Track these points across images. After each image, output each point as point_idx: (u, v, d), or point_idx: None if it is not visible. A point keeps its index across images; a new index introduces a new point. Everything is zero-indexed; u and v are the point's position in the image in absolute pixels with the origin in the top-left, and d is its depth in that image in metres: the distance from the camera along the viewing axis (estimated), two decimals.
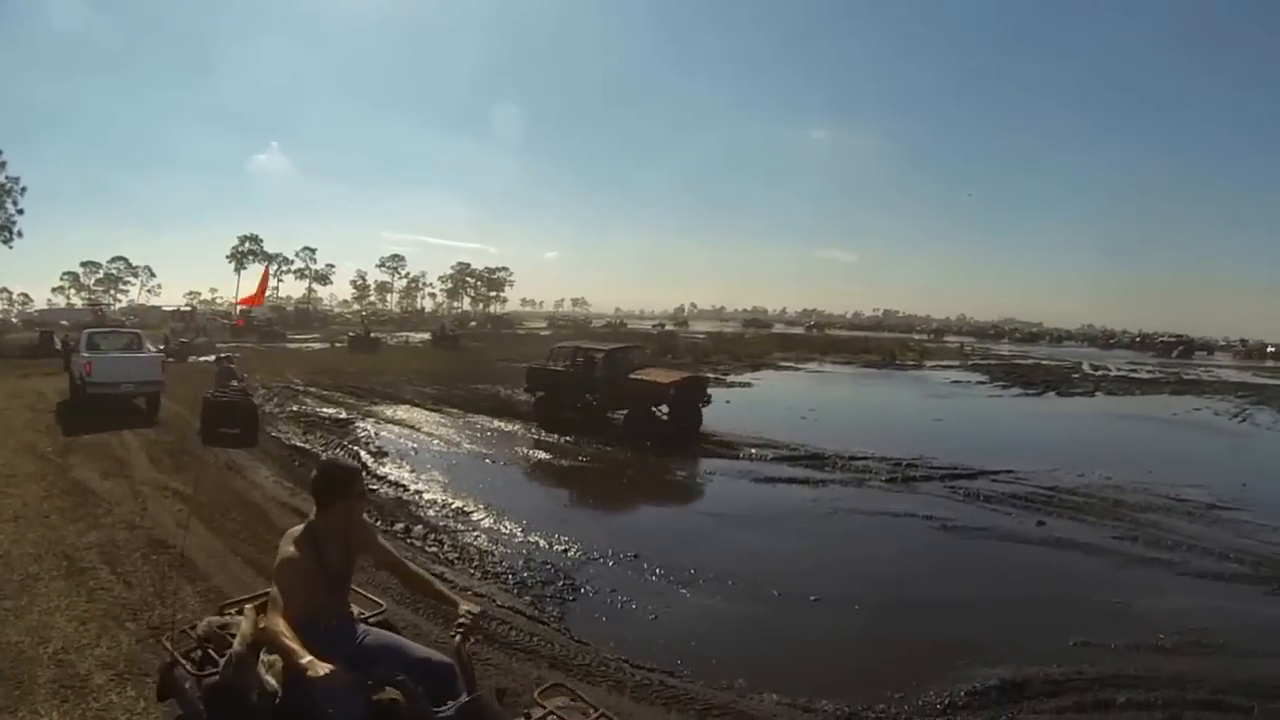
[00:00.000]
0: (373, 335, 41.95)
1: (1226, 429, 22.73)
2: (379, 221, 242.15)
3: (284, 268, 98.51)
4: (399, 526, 9.38)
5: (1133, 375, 41.51)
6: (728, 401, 21.66)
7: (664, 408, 16.35)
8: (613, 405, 17.29)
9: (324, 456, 6.67)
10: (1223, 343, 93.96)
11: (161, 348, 29.90)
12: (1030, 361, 49.92)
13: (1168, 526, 11.09)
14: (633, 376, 16.94)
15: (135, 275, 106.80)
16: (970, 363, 46.40)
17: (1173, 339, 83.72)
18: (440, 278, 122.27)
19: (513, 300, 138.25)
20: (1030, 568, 9.34)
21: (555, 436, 15.98)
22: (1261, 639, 7.22)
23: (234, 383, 15.07)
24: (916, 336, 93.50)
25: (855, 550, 9.79)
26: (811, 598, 7.73)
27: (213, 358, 20.30)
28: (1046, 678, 6.12)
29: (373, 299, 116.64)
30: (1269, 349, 79.87)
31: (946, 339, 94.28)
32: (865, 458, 14.81)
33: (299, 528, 2.95)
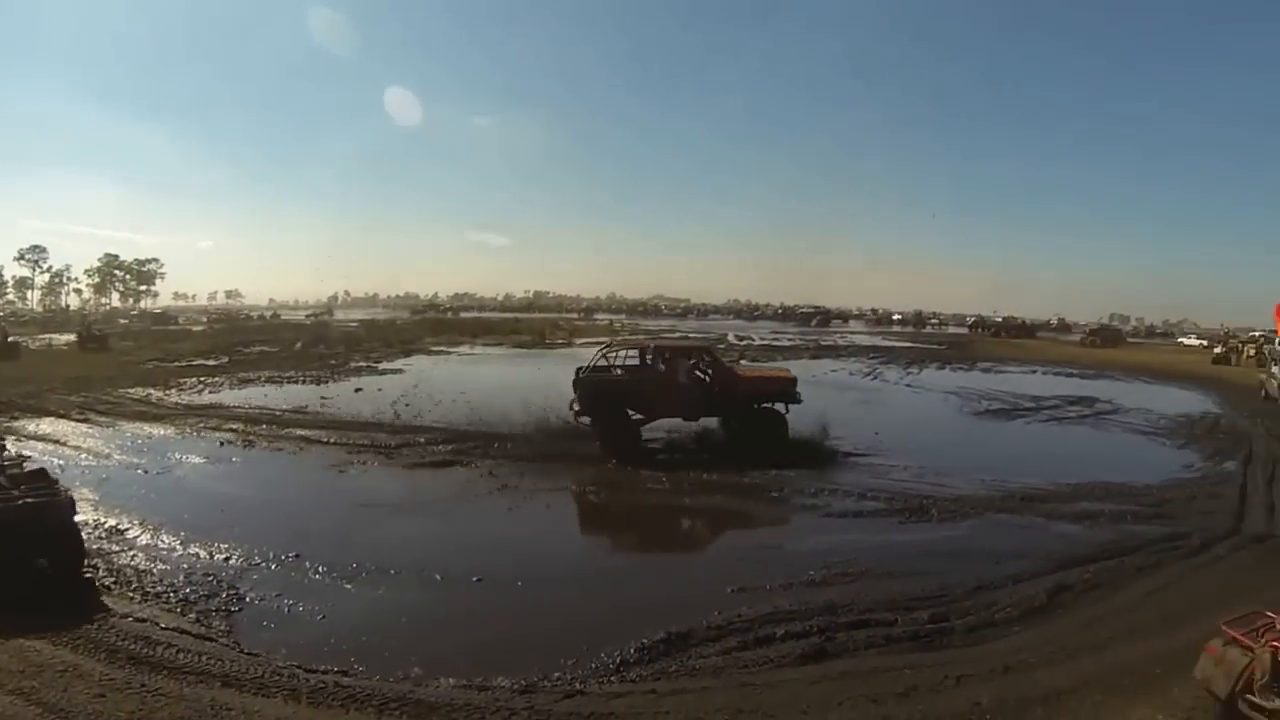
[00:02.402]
0: (11, 339, 41.63)
1: (861, 386, 28.90)
2: (16, 208, 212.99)
3: None
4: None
5: (775, 343, 50.75)
6: (358, 390, 24.13)
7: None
8: (714, 413, 16.55)
9: None
10: (856, 312, 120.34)
11: None
12: (678, 334, 56.59)
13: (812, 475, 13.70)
14: (747, 375, 17.13)
15: None
16: (619, 339, 51.34)
17: (812, 309, 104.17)
18: (87, 271, 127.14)
19: (164, 294, 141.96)
20: (686, 525, 11.19)
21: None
22: (898, 562, 9.37)
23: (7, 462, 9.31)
24: (567, 316, 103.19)
25: (515, 527, 10.98)
26: (475, 578, 8.65)
27: None
28: (710, 624, 7.32)
29: (11, 297, 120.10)
30: (894, 316, 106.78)
31: (597, 317, 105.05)
32: (518, 435, 16.15)
33: None
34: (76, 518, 8.77)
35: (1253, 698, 4.91)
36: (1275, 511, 12.51)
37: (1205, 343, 67.49)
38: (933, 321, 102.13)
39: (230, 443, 16.00)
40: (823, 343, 52.98)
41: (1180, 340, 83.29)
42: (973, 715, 5.85)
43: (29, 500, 8.36)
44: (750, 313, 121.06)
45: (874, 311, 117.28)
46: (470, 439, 16.03)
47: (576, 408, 15.84)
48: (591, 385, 15.90)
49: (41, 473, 9.20)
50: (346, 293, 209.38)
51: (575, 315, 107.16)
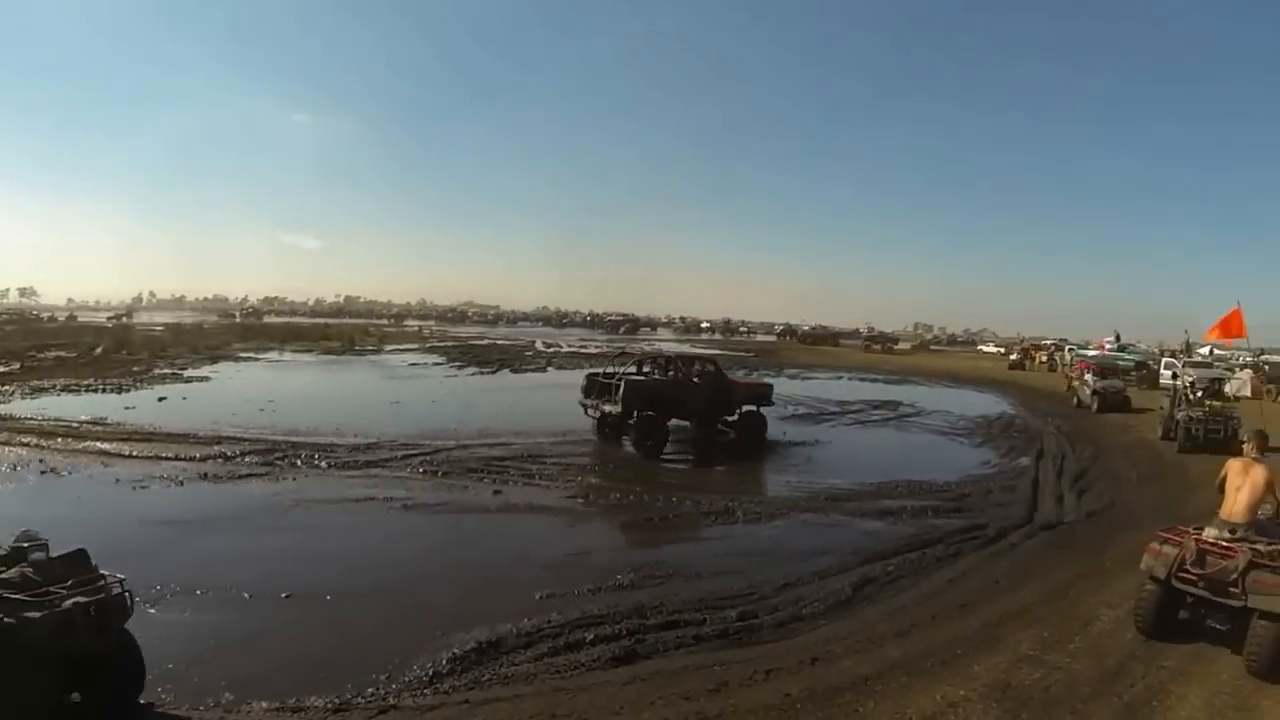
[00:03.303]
0: None
1: None
2: None
3: None
4: None
5: (583, 351, 53.30)
6: (162, 399, 23.56)
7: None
8: (716, 414, 19.46)
9: None
10: (665, 320, 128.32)
11: None
12: (487, 342, 61.07)
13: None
14: (740, 383, 21.00)
15: None
16: (429, 346, 56.33)
17: (620, 317, 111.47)
18: None
19: None
20: (492, 534, 11.23)
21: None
22: (706, 563, 9.81)
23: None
24: (378, 322, 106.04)
25: (322, 541, 10.83)
26: (284, 595, 8.51)
27: None
28: (520, 631, 7.45)
29: None
30: (703, 324, 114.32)
31: (407, 323, 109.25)
32: (324, 445, 16.21)
33: None
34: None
35: (1183, 573, 7.58)
36: (1064, 501, 14.11)
37: (1002, 350, 75.03)
38: (742, 330, 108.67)
39: (21, 459, 14.89)
40: (630, 349, 54.67)
41: (980, 348, 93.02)
42: (783, 706, 6.15)
43: (80, 601, 5.43)
44: (559, 320, 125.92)
45: (682, 319, 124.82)
46: (278, 450, 15.76)
47: (611, 409, 17.85)
48: (634, 389, 17.97)
49: (81, 556, 6.11)
50: (152, 294, 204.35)
51: (386, 322, 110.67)
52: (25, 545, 5.85)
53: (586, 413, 18.87)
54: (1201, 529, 7.88)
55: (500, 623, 7.55)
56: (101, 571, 5.91)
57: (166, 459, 15.02)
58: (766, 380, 22.63)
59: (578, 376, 34.67)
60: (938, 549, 10.68)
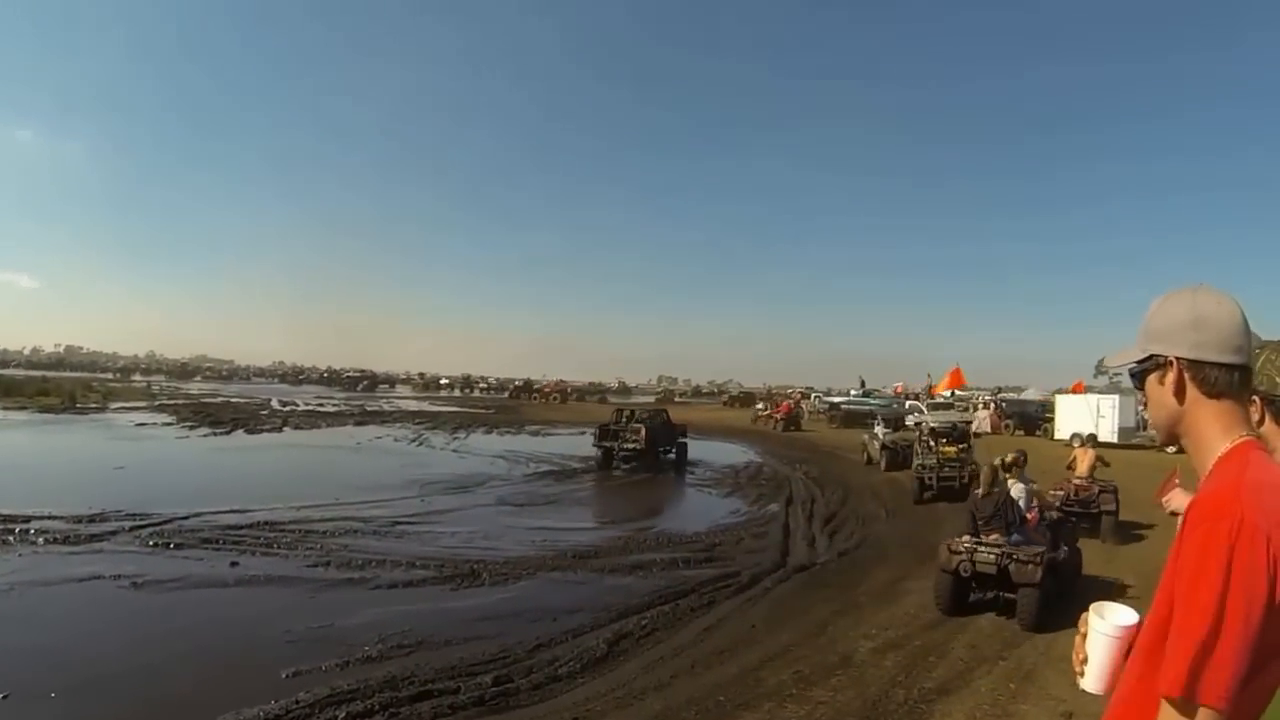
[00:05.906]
0: None
1: (407, 452, 31.10)
2: None
3: None
4: None
5: (320, 409, 54.52)
6: None
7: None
8: (670, 445, 29.72)
9: None
10: (404, 376, 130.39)
11: None
12: (220, 400, 61.39)
13: (357, 547, 13.95)
14: (673, 422, 30.87)
15: None
16: (158, 403, 55.18)
17: (358, 374, 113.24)
18: None
19: None
20: (230, 611, 10.74)
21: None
22: (455, 629, 9.80)
23: None
24: (102, 376, 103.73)
25: (42, 629, 10.03)
26: (1, 696, 7.77)
27: None
28: (267, 715, 7.20)
29: None
30: (442, 380, 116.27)
31: (135, 378, 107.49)
32: (40, 517, 15.09)
33: None
34: None
35: (1068, 503, 14.75)
36: (816, 543, 15.18)
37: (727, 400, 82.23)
38: (481, 386, 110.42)
39: None
40: (369, 408, 57.61)
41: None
42: None
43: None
44: (295, 377, 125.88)
45: (421, 376, 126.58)
46: None
47: (635, 445, 27.11)
48: (648, 430, 27.34)
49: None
50: None
51: (111, 376, 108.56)
52: None
53: (601, 451, 27.61)
54: (1071, 482, 15.57)
55: (246, 707, 7.28)
56: None
57: None
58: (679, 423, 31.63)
59: (317, 436, 37.34)
60: (691, 599, 11.12)
